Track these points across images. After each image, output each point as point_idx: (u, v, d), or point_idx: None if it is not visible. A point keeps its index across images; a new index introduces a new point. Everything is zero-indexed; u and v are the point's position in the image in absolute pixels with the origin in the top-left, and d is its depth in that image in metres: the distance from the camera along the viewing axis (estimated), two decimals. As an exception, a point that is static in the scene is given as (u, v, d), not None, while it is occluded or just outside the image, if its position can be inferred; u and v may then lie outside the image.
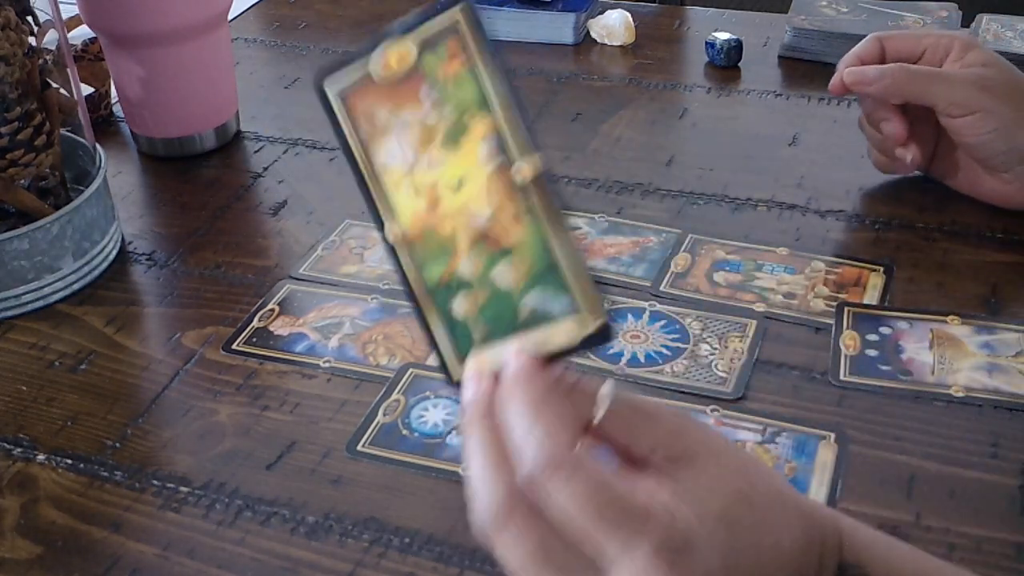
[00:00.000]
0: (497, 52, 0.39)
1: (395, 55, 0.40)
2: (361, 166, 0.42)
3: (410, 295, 0.42)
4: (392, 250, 0.41)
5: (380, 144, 0.41)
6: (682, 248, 0.76)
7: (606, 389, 0.40)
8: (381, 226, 0.41)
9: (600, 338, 0.39)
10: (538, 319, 0.40)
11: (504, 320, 0.41)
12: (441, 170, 0.40)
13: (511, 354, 0.40)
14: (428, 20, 0.39)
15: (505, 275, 0.40)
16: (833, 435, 0.61)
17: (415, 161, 0.41)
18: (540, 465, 0.38)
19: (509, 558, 0.39)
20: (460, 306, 0.41)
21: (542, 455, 0.38)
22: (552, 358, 0.40)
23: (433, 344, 0.42)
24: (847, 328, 0.68)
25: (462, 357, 0.41)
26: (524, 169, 0.39)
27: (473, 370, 0.41)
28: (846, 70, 0.78)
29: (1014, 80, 0.75)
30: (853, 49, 0.80)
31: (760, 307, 0.71)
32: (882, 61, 0.79)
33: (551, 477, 0.38)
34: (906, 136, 0.78)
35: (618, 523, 0.37)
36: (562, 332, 0.40)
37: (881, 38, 0.79)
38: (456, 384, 0.42)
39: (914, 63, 0.78)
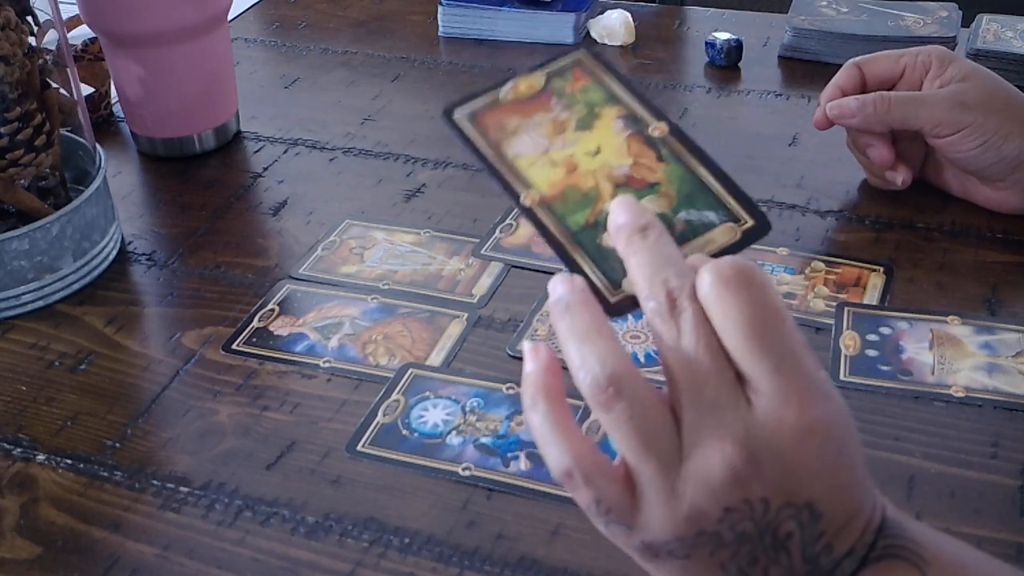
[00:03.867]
0: (617, 71, 0.49)
1: (524, 84, 0.49)
2: (491, 159, 0.47)
3: (554, 243, 0.45)
4: (530, 213, 0.46)
5: (511, 142, 0.48)
6: (682, 248, 0.76)
7: None
8: (517, 199, 0.46)
9: (759, 231, 0.44)
10: (695, 230, 0.45)
11: None
12: (577, 145, 0.47)
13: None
14: (552, 61, 0.50)
15: (655, 202, 0.45)
16: (833, 435, 0.61)
17: (549, 146, 0.47)
18: (714, 279, 0.40)
19: (626, 433, 0.40)
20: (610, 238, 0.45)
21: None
22: (717, 257, 0.43)
23: (586, 281, 0.45)
24: (847, 328, 0.68)
25: (616, 283, 0.44)
26: (659, 127, 0.47)
27: (562, 276, 0.43)
28: (828, 104, 0.79)
29: (995, 91, 0.76)
30: (833, 80, 0.80)
31: (760, 307, 0.70)
32: (863, 87, 0.79)
33: (727, 286, 0.39)
34: (892, 160, 0.78)
35: (779, 356, 0.39)
36: (722, 233, 0.44)
37: (859, 63, 0.80)
38: (613, 307, 0.44)
39: (894, 84, 0.79)
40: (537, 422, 0.42)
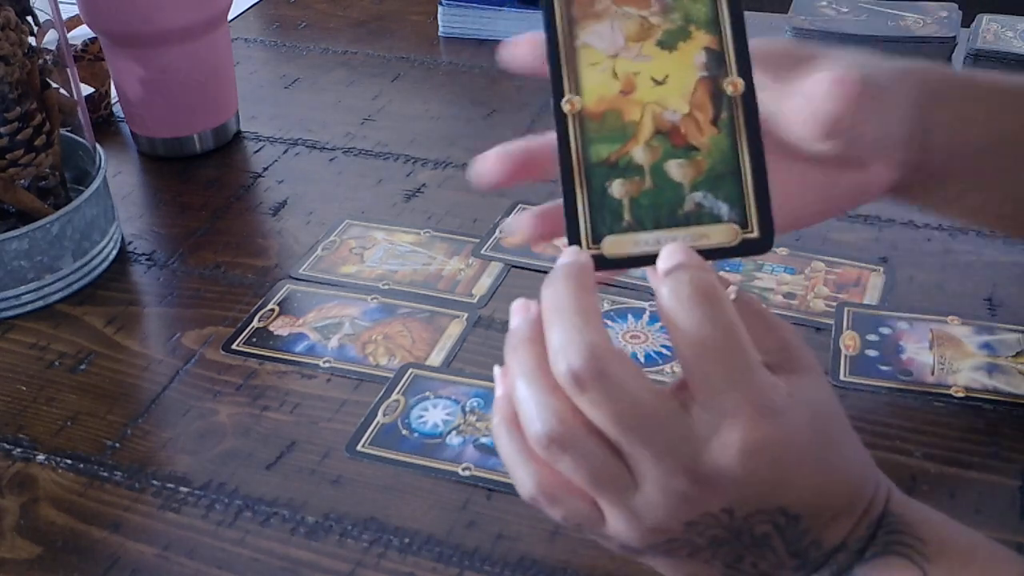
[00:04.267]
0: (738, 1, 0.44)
1: None
2: (559, 36, 0.45)
3: (564, 165, 0.43)
4: (562, 120, 0.44)
5: (589, 25, 0.45)
6: (682, 248, 0.76)
7: (732, 287, 0.42)
8: (559, 96, 0.44)
9: (759, 247, 0.42)
10: (701, 216, 0.42)
11: (663, 209, 0.43)
12: (649, 63, 0.44)
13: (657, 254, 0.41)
14: None
15: (680, 169, 0.43)
16: (833, 435, 0.61)
17: (623, 48, 0.44)
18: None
19: (576, 479, 0.40)
20: (620, 187, 0.43)
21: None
22: (704, 255, 0.42)
23: (571, 216, 0.43)
24: (847, 328, 0.68)
25: (599, 235, 0.43)
26: (737, 83, 0.42)
27: (520, 303, 0.43)
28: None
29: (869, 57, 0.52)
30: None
31: (760, 307, 0.70)
32: None
33: (682, 304, 0.39)
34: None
35: (727, 374, 0.39)
36: (722, 232, 0.42)
37: None
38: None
39: None
40: (503, 447, 0.43)
